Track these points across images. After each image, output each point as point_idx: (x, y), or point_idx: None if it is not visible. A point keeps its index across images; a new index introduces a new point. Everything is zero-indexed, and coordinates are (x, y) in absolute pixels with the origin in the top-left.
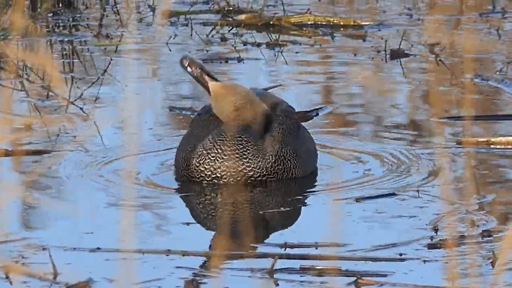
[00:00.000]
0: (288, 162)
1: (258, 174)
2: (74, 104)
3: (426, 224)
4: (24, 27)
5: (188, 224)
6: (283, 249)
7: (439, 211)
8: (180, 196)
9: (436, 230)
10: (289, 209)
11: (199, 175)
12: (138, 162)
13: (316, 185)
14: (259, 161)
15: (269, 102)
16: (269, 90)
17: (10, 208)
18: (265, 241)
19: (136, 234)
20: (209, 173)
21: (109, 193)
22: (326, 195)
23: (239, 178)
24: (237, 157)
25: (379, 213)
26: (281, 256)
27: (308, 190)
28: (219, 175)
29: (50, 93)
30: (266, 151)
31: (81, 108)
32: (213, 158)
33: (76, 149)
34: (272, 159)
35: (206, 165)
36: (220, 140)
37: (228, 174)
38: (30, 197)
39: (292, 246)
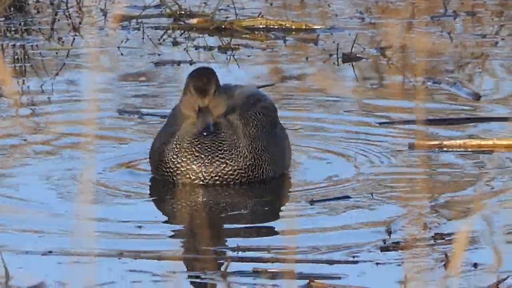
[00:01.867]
0: (259, 158)
1: (230, 168)
2: (26, 110)
3: (379, 227)
4: None
5: (140, 226)
6: (236, 252)
7: (392, 214)
8: (138, 197)
9: (389, 232)
10: (247, 211)
11: (172, 173)
12: (92, 163)
13: (282, 187)
14: (232, 156)
15: (251, 97)
16: (261, 89)
17: None
18: (219, 244)
19: (89, 237)
20: (183, 170)
21: (62, 195)
22: (284, 197)
23: (213, 175)
24: (209, 155)
25: (331, 215)
26: (233, 259)
27: (272, 192)
28: (187, 174)
29: (1, 97)
30: (239, 146)
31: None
32: (185, 159)
33: (28, 153)
34: (243, 153)
35: (178, 164)
36: (188, 139)
37: (200, 172)
38: None
39: (245, 249)
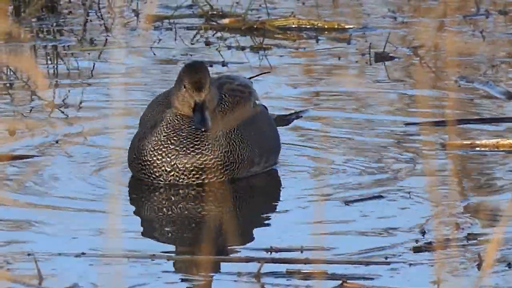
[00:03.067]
0: (233, 142)
1: (206, 158)
2: (59, 111)
3: (412, 227)
4: (8, 32)
5: (171, 227)
6: (269, 253)
7: (425, 214)
8: (162, 200)
9: (423, 233)
10: (273, 212)
11: (149, 166)
12: (123, 169)
13: (300, 187)
14: (209, 146)
15: (217, 82)
16: (255, 78)
17: None
18: (251, 245)
19: (121, 239)
20: (158, 163)
21: (93, 199)
22: (312, 197)
23: (187, 166)
24: (184, 146)
25: (365, 215)
26: (267, 260)
27: (306, 191)
28: (163, 166)
29: (34, 98)
30: (215, 135)
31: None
32: (164, 154)
33: (61, 154)
34: (219, 141)
35: (154, 157)
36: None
37: (175, 164)
38: (15, 202)
39: (278, 250)
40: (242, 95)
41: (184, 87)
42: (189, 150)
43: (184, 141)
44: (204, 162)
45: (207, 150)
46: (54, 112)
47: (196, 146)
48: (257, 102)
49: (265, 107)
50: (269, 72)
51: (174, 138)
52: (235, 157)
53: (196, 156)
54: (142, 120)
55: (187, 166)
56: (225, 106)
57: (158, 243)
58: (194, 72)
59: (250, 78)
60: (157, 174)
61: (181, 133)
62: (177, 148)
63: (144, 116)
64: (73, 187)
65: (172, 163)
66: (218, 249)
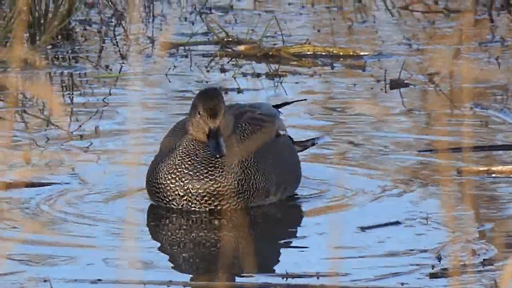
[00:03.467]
0: (248, 170)
1: (220, 185)
2: (75, 139)
3: (428, 253)
4: (24, 59)
5: (188, 254)
6: (285, 279)
7: (441, 240)
8: (178, 226)
9: (439, 258)
10: (288, 237)
11: (163, 189)
12: (139, 197)
13: (315, 212)
14: (223, 172)
15: (238, 110)
16: (288, 105)
17: (11, 240)
18: (266, 271)
19: (136, 265)
20: (172, 187)
21: (109, 226)
22: (328, 223)
23: (200, 192)
24: (197, 171)
25: (381, 241)
26: (283, 287)
27: (321, 216)
28: (176, 190)
29: (50, 125)
30: (230, 162)
31: (88, 146)
32: (178, 179)
33: (76, 181)
34: (233, 168)
35: (168, 181)
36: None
37: (188, 189)
38: (30, 229)
39: (294, 276)
40: (263, 124)
41: (199, 113)
42: (202, 175)
43: (198, 166)
44: (218, 189)
45: (220, 176)
46: (70, 139)
47: (210, 172)
48: (281, 132)
49: (291, 138)
50: (306, 99)
51: (189, 162)
52: (249, 185)
53: (209, 182)
54: (162, 145)
55: (200, 191)
56: (244, 134)
57: (174, 270)
58: (209, 99)
59: (283, 104)
60: (170, 198)
61: (196, 158)
62: (191, 173)
63: (163, 141)
64: (88, 213)
65: (185, 187)
66: (233, 275)
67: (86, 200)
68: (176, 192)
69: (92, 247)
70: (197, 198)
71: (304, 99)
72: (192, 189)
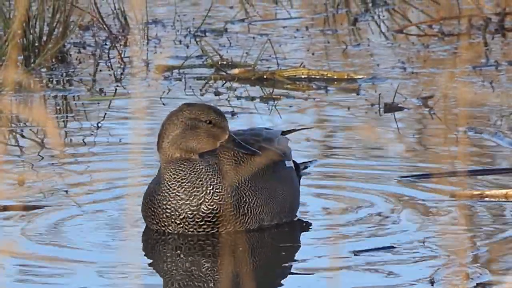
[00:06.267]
0: (243, 194)
1: (208, 206)
2: (69, 161)
3: (422, 277)
4: (18, 82)
5: (185, 278)
6: None
7: (435, 264)
8: (174, 251)
9: (432, 283)
10: (285, 262)
11: (156, 210)
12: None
13: (310, 236)
14: (213, 193)
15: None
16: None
17: (8, 264)
18: None
19: None
20: (163, 209)
21: (109, 251)
22: (321, 247)
23: (192, 209)
24: (189, 191)
25: (374, 266)
26: None
27: (303, 241)
28: (168, 209)
29: (44, 148)
30: (222, 183)
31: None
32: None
33: (70, 204)
34: (226, 190)
35: (161, 202)
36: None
37: (179, 207)
38: (26, 254)
39: None
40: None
41: (210, 122)
42: (193, 195)
43: (191, 186)
44: (214, 212)
45: (218, 198)
46: (64, 162)
47: (206, 197)
48: (286, 163)
49: (297, 165)
50: (312, 127)
51: (185, 186)
52: (245, 210)
53: (198, 201)
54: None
55: (191, 209)
56: (243, 161)
57: None
58: (209, 107)
59: (289, 131)
60: (166, 223)
61: (190, 181)
62: (185, 197)
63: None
64: (82, 238)
65: (176, 206)
66: None
67: (80, 224)
68: (168, 211)
69: (86, 272)
70: (192, 223)
71: (311, 127)
72: (188, 212)
